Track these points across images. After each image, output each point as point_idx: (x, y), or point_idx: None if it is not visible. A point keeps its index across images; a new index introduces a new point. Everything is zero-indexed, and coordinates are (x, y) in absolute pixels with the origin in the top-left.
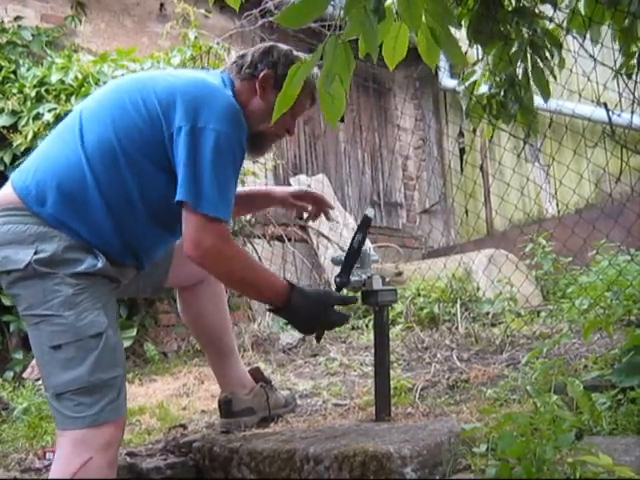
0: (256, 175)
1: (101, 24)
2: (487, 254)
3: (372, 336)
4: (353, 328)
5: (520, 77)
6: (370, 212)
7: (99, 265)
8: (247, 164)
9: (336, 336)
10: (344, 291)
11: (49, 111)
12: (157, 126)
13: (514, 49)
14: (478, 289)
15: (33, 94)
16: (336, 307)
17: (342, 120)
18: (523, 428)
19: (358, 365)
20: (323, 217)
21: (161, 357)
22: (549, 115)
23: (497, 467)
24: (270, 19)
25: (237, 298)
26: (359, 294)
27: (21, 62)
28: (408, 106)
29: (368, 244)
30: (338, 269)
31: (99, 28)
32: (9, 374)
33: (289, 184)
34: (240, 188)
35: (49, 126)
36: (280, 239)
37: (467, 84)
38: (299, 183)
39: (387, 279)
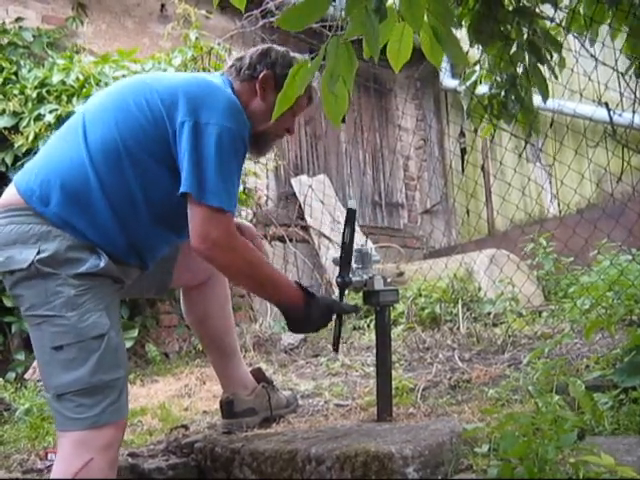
0: (257, 175)
1: (102, 25)
2: (488, 254)
3: (374, 336)
4: (355, 328)
5: (521, 77)
6: (352, 204)
7: (102, 265)
8: (248, 164)
9: None
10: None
11: (50, 112)
12: (161, 125)
13: (514, 49)
14: (479, 289)
15: (34, 95)
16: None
17: (343, 120)
18: (525, 428)
19: (360, 365)
20: (323, 217)
21: (163, 358)
22: (550, 115)
23: (499, 467)
24: (271, 20)
25: (239, 298)
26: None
27: (22, 63)
28: (409, 106)
29: (369, 244)
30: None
31: (100, 29)
32: (11, 375)
33: (290, 185)
34: None
35: (50, 127)
36: (281, 239)
37: (468, 84)
38: (300, 183)
39: (388, 279)
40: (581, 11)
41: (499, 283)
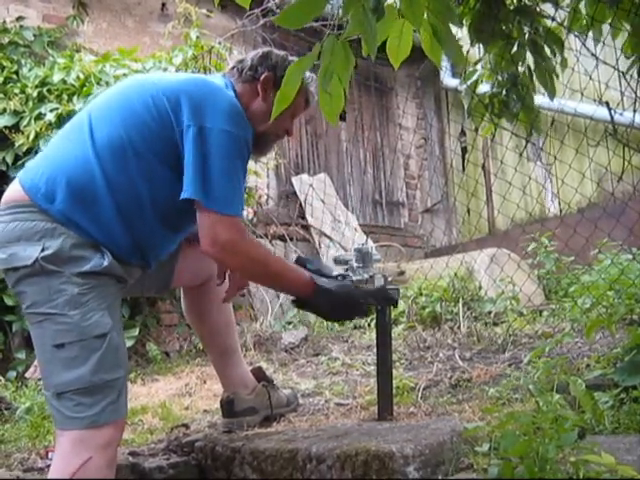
0: (258, 174)
1: (103, 24)
2: (489, 253)
3: (374, 335)
4: (355, 327)
5: (522, 76)
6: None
7: (105, 263)
8: (249, 164)
9: (338, 335)
10: None
11: (51, 111)
12: (167, 123)
13: (516, 48)
14: (480, 288)
15: (35, 94)
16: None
17: (344, 119)
18: (525, 427)
19: (360, 364)
20: (324, 216)
21: (163, 357)
22: (551, 114)
23: (499, 466)
24: (271, 19)
25: (239, 297)
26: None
27: (23, 62)
28: (410, 105)
29: (370, 243)
30: (340, 268)
31: (101, 28)
32: (12, 374)
33: (291, 183)
34: None
35: (51, 126)
36: (282, 239)
37: (469, 83)
38: (301, 182)
39: (389, 278)
40: (582, 10)
41: (500, 282)
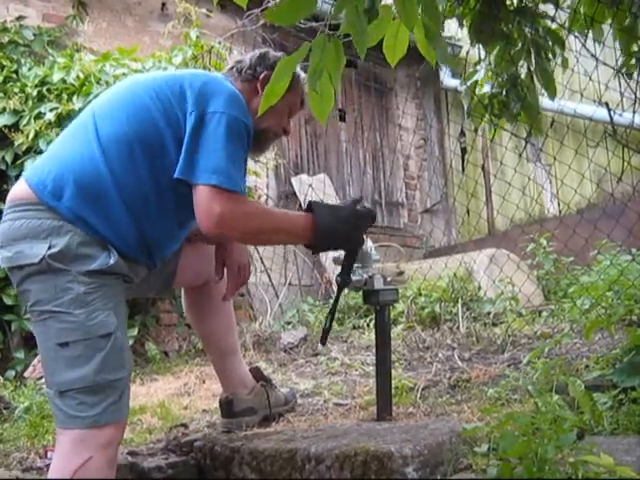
0: (257, 174)
1: (103, 23)
2: (488, 254)
3: (373, 335)
4: (354, 327)
5: (523, 76)
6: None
7: (111, 262)
8: (248, 163)
9: (337, 335)
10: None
11: (50, 110)
12: (172, 117)
13: (516, 49)
14: (479, 289)
15: (35, 93)
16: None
17: (344, 120)
18: (524, 428)
19: (359, 364)
20: None
21: (162, 356)
22: (551, 115)
23: (498, 467)
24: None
25: (239, 297)
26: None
27: (23, 61)
28: (409, 105)
29: (369, 243)
30: (339, 268)
31: (101, 27)
32: (10, 373)
33: (290, 184)
34: None
35: (50, 125)
36: None
37: (469, 83)
38: (300, 182)
39: (388, 278)
40: (582, 11)
41: (499, 283)
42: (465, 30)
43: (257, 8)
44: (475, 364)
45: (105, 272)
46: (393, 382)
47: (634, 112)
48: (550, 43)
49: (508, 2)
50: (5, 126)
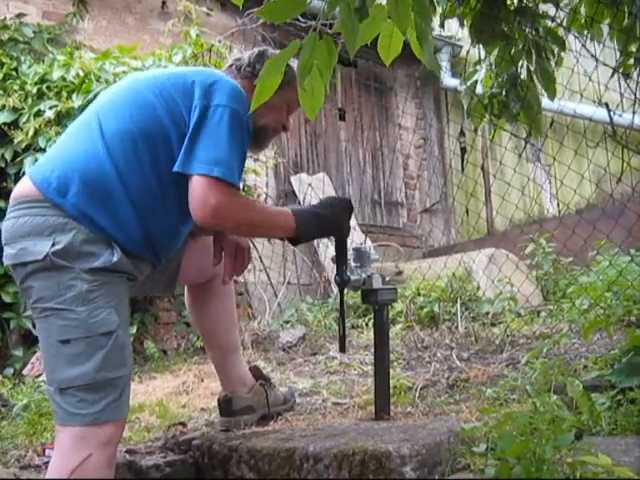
0: (257, 173)
1: (103, 21)
2: (487, 254)
3: (372, 335)
4: (353, 327)
5: (523, 76)
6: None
7: (114, 259)
8: (247, 162)
9: (336, 335)
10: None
11: (50, 108)
12: (176, 113)
13: (516, 49)
14: (478, 289)
15: (34, 91)
16: None
17: (343, 119)
18: (522, 428)
19: (358, 364)
20: None
21: (161, 355)
22: (551, 115)
23: (496, 467)
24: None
25: (237, 296)
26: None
27: (22, 59)
28: (409, 105)
29: (368, 243)
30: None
31: (101, 25)
32: (9, 371)
33: (290, 183)
34: None
35: (50, 123)
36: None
37: (469, 83)
38: (300, 182)
39: (387, 278)
40: (582, 11)
41: (498, 283)
42: (466, 30)
43: (257, 7)
44: (474, 364)
45: (108, 270)
46: (391, 381)
47: (634, 113)
48: (550, 43)
49: (508, 2)
50: (5, 123)
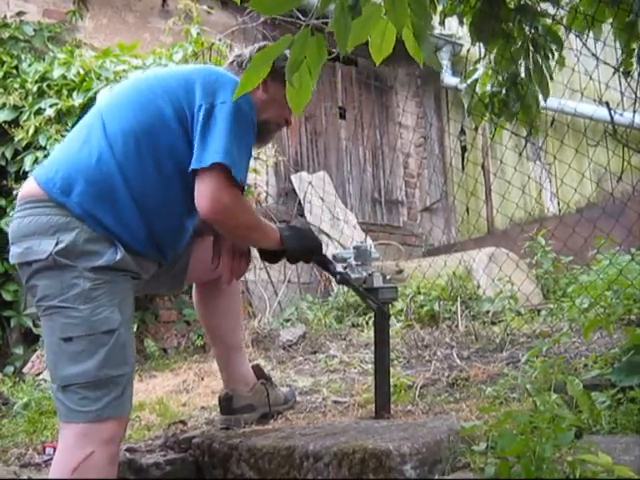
0: (257, 172)
1: (103, 19)
2: (488, 252)
3: (372, 333)
4: (353, 325)
5: (523, 75)
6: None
7: (117, 258)
8: None
9: (336, 333)
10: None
11: (50, 106)
12: (179, 109)
13: (516, 47)
14: (478, 287)
15: (35, 89)
16: None
17: (344, 117)
18: (523, 427)
19: (358, 362)
20: (323, 213)
21: (161, 353)
22: (551, 114)
23: (496, 465)
24: (272, 16)
25: None
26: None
27: (23, 57)
28: (410, 104)
29: (369, 241)
30: (339, 266)
31: (101, 23)
32: (9, 369)
33: (290, 181)
34: None
35: (50, 121)
36: None
37: (469, 82)
38: (300, 180)
39: (388, 277)
40: (582, 10)
41: (498, 281)
42: (466, 28)
43: None
44: (474, 363)
45: (111, 268)
46: (392, 380)
47: (634, 111)
48: (549, 42)
49: (508, 0)
50: (5, 122)
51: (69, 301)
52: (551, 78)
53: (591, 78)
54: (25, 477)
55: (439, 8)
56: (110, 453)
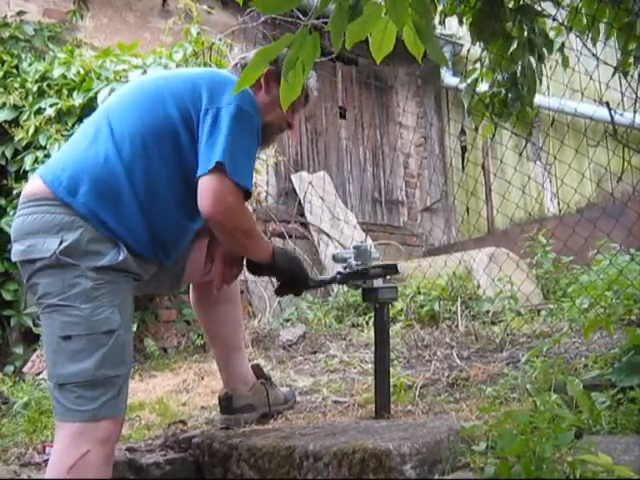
0: (257, 171)
1: (103, 19)
2: (488, 252)
3: (372, 333)
4: (353, 325)
5: (520, 75)
6: None
7: (120, 258)
8: None
9: (336, 333)
10: None
11: (51, 106)
12: (184, 110)
13: (514, 47)
14: (478, 287)
15: (35, 89)
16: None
17: (344, 117)
18: (523, 427)
19: (358, 362)
20: (323, 213)
21: (161, 353)
22: (551, 114)
23: (496, 465)
24: (272, 16)
25: None
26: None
27: (23, 57)
28: (410, 104)
29: (369, 241)
30: (339, 266)
31: (101, 23)
32: (9, 368)
33: (290, 181)
34: None
35: (50, 121)
36: (281, 236)
37: (469, 81)
38: (300, 180)
39: (387, 277)
40: (582, 10)
41: (498, 281)
42: (466, 28)
43: None
44: (474, 363)
45: (114, 269)
46: (392, 380)
47: (635, 112)
48: (542, 44)
49: (508, 0)
50: (5, 121)
51: (70, 300)
52: (540, 81)
53: (591, 78)
54: (25, 476)
55: (439, 8)
56: (105, 453)
